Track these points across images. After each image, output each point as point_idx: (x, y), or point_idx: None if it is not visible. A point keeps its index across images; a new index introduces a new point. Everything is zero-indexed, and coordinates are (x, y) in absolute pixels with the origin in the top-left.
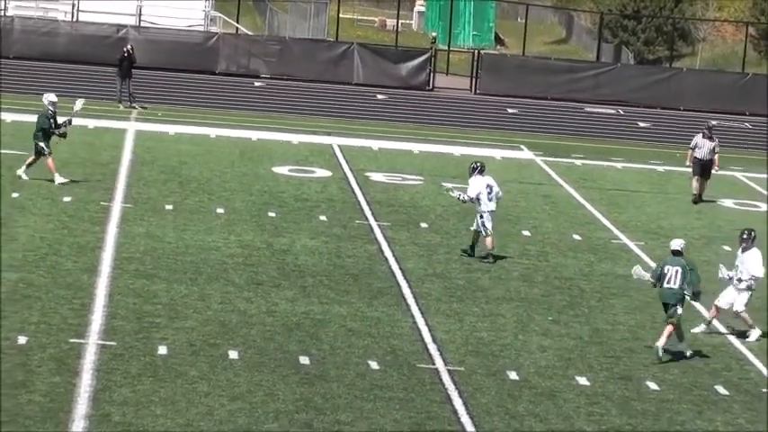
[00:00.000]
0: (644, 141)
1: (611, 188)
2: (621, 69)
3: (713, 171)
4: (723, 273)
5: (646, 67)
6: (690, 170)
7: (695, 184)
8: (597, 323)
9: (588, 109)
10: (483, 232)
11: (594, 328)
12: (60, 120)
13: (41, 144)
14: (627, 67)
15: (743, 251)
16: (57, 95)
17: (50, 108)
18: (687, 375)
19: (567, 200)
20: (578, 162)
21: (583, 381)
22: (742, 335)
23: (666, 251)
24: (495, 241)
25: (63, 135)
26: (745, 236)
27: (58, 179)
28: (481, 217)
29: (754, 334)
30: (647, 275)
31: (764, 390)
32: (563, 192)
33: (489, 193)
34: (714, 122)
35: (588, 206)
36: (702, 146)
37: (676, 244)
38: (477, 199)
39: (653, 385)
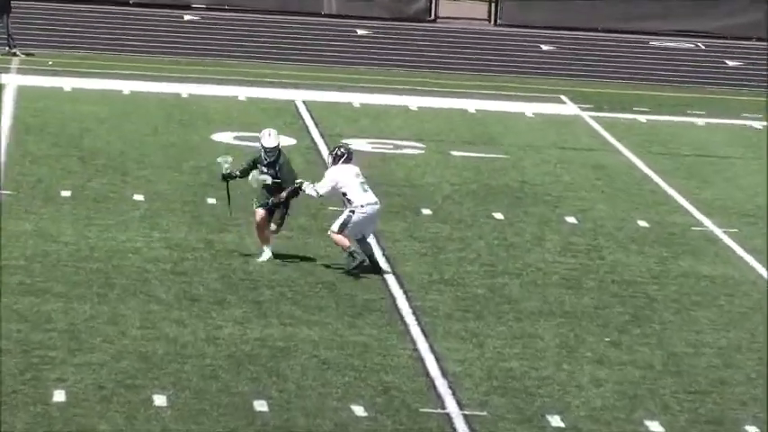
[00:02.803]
0: (734, 87)
1: (689, 153)
2: None
3: None
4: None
5: None
6: None
7: None
8: (674, 345)
9: (655, 43)
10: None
11: (670, 351)
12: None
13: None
14: None
15: None
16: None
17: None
18: None
19: (628, 172)
20: (642, 118)
21: (655, 427)
22: None
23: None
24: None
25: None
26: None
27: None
28: (351, 213)
29: None
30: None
31: None
32: (622, 160)
33: (363, 183)
34: None
35: (658, 180)
36: None
37: None
38: (344, 194)
39: (753, 430)
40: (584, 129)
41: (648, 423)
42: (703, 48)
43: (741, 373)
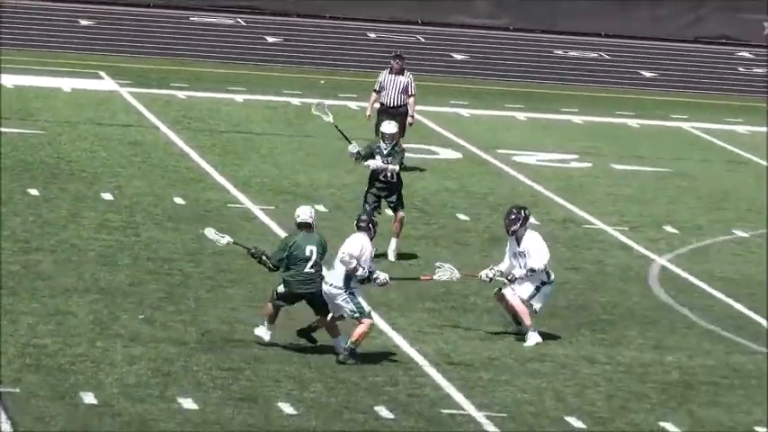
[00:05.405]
0: (270, 63)
1: (227, 130)
2: None
3: (408, 123)
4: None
5: None
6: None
7: None
8: (209, 322)
9: (195, 18)
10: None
11: (205, 328)
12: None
13: None
14: None
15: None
16: None
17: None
18: (335, 393)
19: (165, 148)
20: (181, 94)
21: (188, 404)
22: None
23: None
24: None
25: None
26: (513, 216)
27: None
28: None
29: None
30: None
31: (445, 411)
32: (159, 136)
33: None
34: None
35: (195, 156)
36: (390, 86)
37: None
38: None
39: (287, 408)
40: (122, 105)
41: (182, 400)
42: (243, 23)
43: (276, 350)
